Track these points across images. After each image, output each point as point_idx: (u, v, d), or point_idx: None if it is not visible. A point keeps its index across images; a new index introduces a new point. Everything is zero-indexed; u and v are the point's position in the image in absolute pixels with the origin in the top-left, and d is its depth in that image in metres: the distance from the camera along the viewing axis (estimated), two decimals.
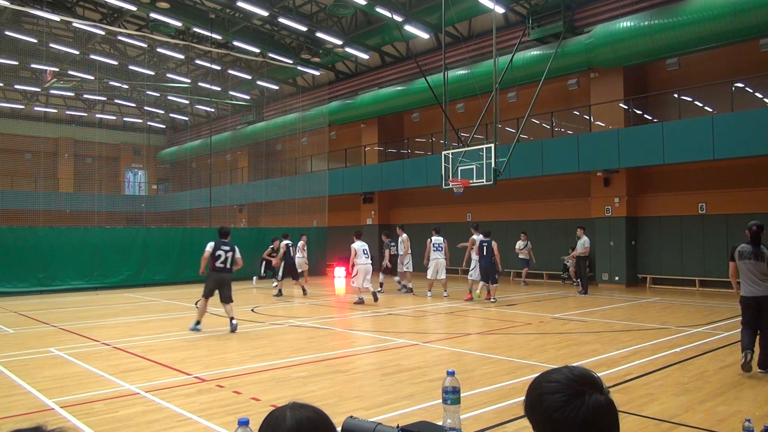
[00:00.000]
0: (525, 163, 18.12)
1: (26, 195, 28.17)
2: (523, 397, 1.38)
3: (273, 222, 27.68)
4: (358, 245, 14.31)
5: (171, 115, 39.18)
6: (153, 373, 6.97)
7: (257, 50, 24.85)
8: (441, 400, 2.15)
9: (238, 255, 10.30)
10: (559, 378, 1.30)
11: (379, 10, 19.04)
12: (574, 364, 1.38)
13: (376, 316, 12.14)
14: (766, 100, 16.72)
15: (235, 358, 7.92)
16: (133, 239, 19.80)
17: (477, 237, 14.57)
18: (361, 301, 14.03)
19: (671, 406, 5.35)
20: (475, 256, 14.55)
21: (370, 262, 14.48)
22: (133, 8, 20.24)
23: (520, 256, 18.52)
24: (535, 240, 19.56)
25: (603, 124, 18.54)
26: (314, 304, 14.48)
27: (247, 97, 32.00)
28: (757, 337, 6.64)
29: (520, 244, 18.46)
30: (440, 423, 2.04)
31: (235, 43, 23.80)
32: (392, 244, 17.89)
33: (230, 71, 28.64)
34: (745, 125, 14.41)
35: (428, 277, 15.45)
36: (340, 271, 22.12)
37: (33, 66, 27.88)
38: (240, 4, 19.32)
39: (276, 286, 16.31)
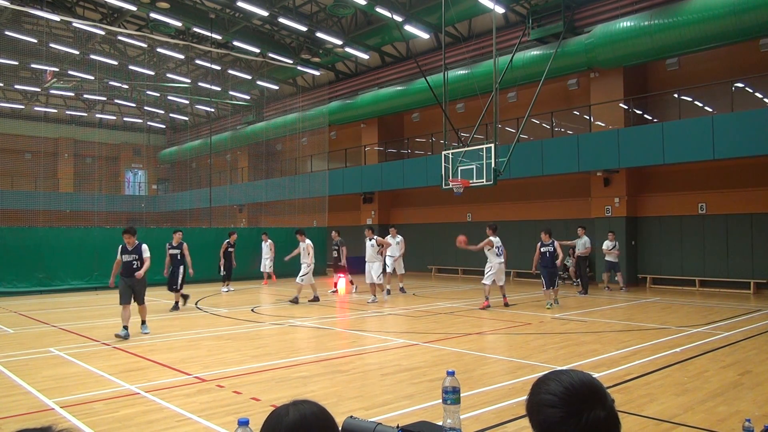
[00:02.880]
0: (525, 163, 18.13)
1: (26, 195, 28.17)
2: (522, 397, 1.38)
3: (273, 222, 27.67)
4: (310, 243, 14.53)
5: (171, 115, 39.20)
6: (153, 373, 6.96)
7: (257, 50, 24.85)
8: (441, 400, 2.15)
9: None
10: (557, 390, 1.26)
11: (379, 10, 19.04)
12: (575, 365, 1.38)
13: (376, 316, 12.15)
14: (766, 100, 16.72)
15: (235, 358, 7.92)
16: None
17: (494, 239, 13.19)
18: (316, 299, 14.39)
19: (671, 406, 5.35)
20: (494, 259, 13.11)
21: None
22: (133, 8, 20.24)
23: (608, 258, 16.66)
24: (534, 240, 19.53)
25: (603, 124, 18.54)
26: (314, 304, 14.47)
27: (247, 97, 32.01)
28: None
29: (608, 244, 16.63)
30: (440, 423, 2.05)
31: (235, 43, 23.80)
32: (335, 246, 17.19)
33: (230, 71, 28.64)
34: (745, 125, 14.42)
35: (381, 281, 14.87)
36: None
37: (33, 66, 27.90)
38: (240, 4, 19.32)
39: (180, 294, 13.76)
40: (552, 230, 13.68)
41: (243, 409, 5.37)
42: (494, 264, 13.06)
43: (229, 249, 17.75)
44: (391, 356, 7.94)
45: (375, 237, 14.78)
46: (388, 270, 16.37)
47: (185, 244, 13.54)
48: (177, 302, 13.52)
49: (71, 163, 37.53)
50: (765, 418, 5.04)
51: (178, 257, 13.45)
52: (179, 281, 13.41)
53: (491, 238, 13.18)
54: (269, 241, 19.38)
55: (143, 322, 10.03)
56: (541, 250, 13.26)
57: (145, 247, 9.73)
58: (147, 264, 9.70)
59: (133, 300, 9.76)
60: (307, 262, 14.22)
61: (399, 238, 16.48)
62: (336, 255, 17.07)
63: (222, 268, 17.69)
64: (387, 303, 14.26)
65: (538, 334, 9.67)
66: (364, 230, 15.47)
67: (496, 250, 13.11)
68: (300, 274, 14.22)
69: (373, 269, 14.45)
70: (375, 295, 14.51)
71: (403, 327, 10.65)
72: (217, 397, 5.86)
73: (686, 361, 7.34)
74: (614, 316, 11.62)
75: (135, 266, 9.56)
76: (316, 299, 14.46)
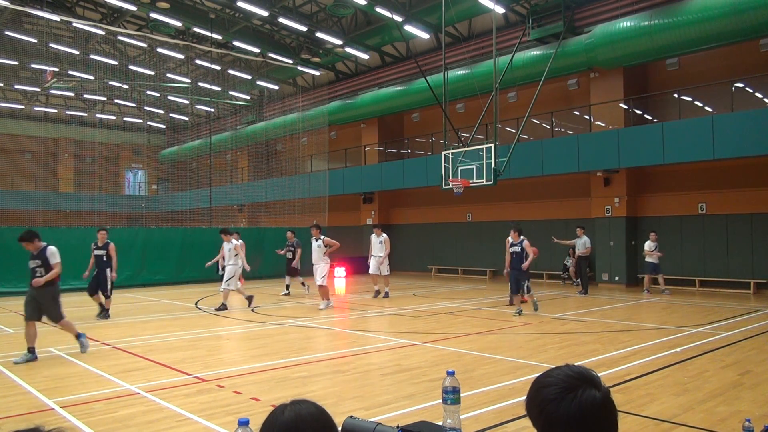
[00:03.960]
0: (525, 163, 18.13)
1: (26, 195, 28.14)
2: (523, 397, 1.39)
3: (273, 222, 27.69)
4: (241, 243, 13.57)
5: (171, 115, 39.20)
6: (153, 373, 6.96)
7: (257, 50, 24.85)
8: (441, 400, 2.15)
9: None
10: (556, 374, 1.33)
11: (379, 10, 19.04)
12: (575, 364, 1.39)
13: (376, 316, 12.14)
14: (766, 100, 16.72)
15: (235, 358, 7.92)
16: (133, 239, 19.80)
17: (510, 239, 13.39)
18: (224, 307, 13.09)
19: (671, 406, 5.35)
20: (508, 257, 13.52)
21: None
22: (133, 8, 20.24)
23: (648, 259, 15.95)
24: (534, 240, 19.54)
25: (603, 124, 18.55)
26: (314, 304, 14.47)
27: (247, 97, 32.01)
28: None
29: (649, 245, 15.91)
30: (440, 423, 2.05)
31: (235, 43, 23.80)
32: (290, 246, 16.43)
33: (230, 71, 28.64)
34: (745, 125, 14.43)
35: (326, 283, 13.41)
36: (340, 271, 22.13)
37: (33, 66, 27.89)
38: (240, 4, 19.32)
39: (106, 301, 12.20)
40: (523, 229, 12.44)
41: (243, 409, 5.37)
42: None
43: (290, 248, 17.30)
44: (391, 356, 7.94)
45: (322, 237, 13.54)
46: (371, 271, 15.47)
47: (112, 244, 12.02)
48: (106, 309, 11.98)
49: (71, 163, 37.53)
50: (765, 418, 5.04)
51: (104, 259, 11.93)
52: (108, 286, 11.85)
53: (509, 238, 13.37)
54: (240, 241, 18.68)
55: (77, 336, 8.11)
56: (510, 250, 12.02)
57: (52, 250, 7.92)
58: (55, 271, 7.85)
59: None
60: (232, 264, 13.34)
61: (383, 236, 15.46)
62: (291, 257, 16.44)
63: (220, 269, 17.57)
64: (332, 309, 13.03)
65: (538, 334, 9.67)
66: (311, 228, 13.86)
67: (511, 248, 13.25)
68: (225, 279, 13.28)
69: (318, 271, 13.25)
70: (328, 300, 13.29)
71: (403, 327, 10.65)
72: (217, 397, 5.86)
73: (686, 361, 7.34)
74: (614, 316, 11.62)
75: (39, 274, 7.87)
76: (249, 299, 13.53)
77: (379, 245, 15.40)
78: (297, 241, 16.58)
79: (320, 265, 13.25)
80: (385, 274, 15.28)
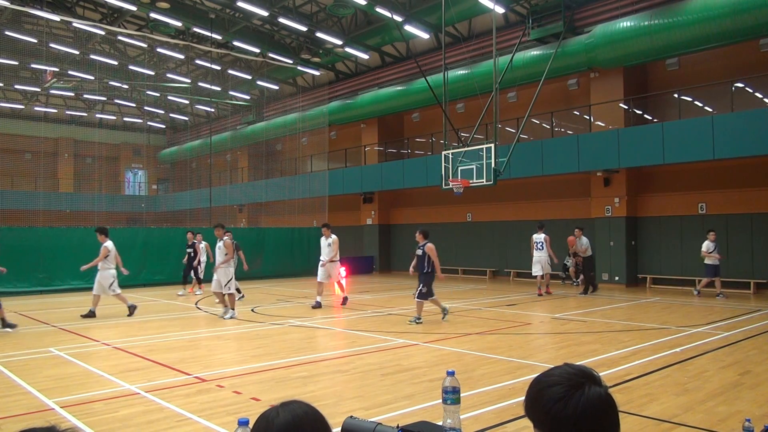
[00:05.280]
0: (525, 163, 18.13)
1: (26, 195, 28.16)
2: (523, 397, 1.38)
3: (273, 222, 27.70)
4: (111, 245, 12.27)
5: (171, 115, 39.20)
6: (153, 373, 6.96)
7: (257, 50, 24.86)
8: (441, 400, 2.15)
9: None
10: (558, 372, 1.31)
11: (379, 10, 19.05)
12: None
13: (376, 316, 12.14)
14: (766, 100, 16.71)
15: (235, 358, 7.92)
16: (133, 239, 19.80)
17: (534, 236, 15.55)
18: (132, 308, 12.20)
19: (671, 406, 5.35)
20: (535, 253, 15.46)
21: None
22: (133, 8, 20.24)
23: (707, 261, 14.66)
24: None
25: (603, 124, 18.55)
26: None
27: (247, 97, 32.01)
28: None
29: (708, 245, 14.57)
30: (440, 423, 2.05)
31: (235, 43, 23.80)
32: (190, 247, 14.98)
33: (230, 71, 28.64)
34: (745, 125, 14.43)
35: (234, 290, 12.12)
36: (340, 271, 22.10)
37: (33, 66, 27.89)
38: (240, 4, 19.32)
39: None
40: (429, 232, 11.53)
41: (243, 409, 5.37)
42: (534, 258, 15.29)
43: (187, 250, 16.77)
44: (391, 356, 7.94)
45: (224, 238, 12.05)
46: (319, 278, 13.59)
47: None
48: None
49: (71, 163, 37.54)
50: (765, 418, 5.04)
51: None
52: None
53: (533, 235, 15.45)
54: (203, 243, 17.02)
55: None
56: (416, 252, 11.16)
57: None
58: None
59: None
60: (107, 267, 12.06)
61: (332, 238, 13.51)
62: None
63: (197, 269, 17.05)
64: (234, 320, 11.52)
65: (538, 334, 9.67)
66: (214, 229, 12.62)
67: (536, 245, 15.30)
68: (109, 285, 11.96)
69: (221, 276, 11.79)
70: (233, 308, 11.84)
71: (403, 327, 10.64)
72: (217, 397, 5.86)
73: (686, 361, 7.34)
74: (614, 316, 11.62)
75: None
76: (132, 308, 12.19)
77: (327, 248, 13.46)
78: (237, 243, 14.59)
79: (222, 270, 11.87)
80: (322, 282, 13.54)
